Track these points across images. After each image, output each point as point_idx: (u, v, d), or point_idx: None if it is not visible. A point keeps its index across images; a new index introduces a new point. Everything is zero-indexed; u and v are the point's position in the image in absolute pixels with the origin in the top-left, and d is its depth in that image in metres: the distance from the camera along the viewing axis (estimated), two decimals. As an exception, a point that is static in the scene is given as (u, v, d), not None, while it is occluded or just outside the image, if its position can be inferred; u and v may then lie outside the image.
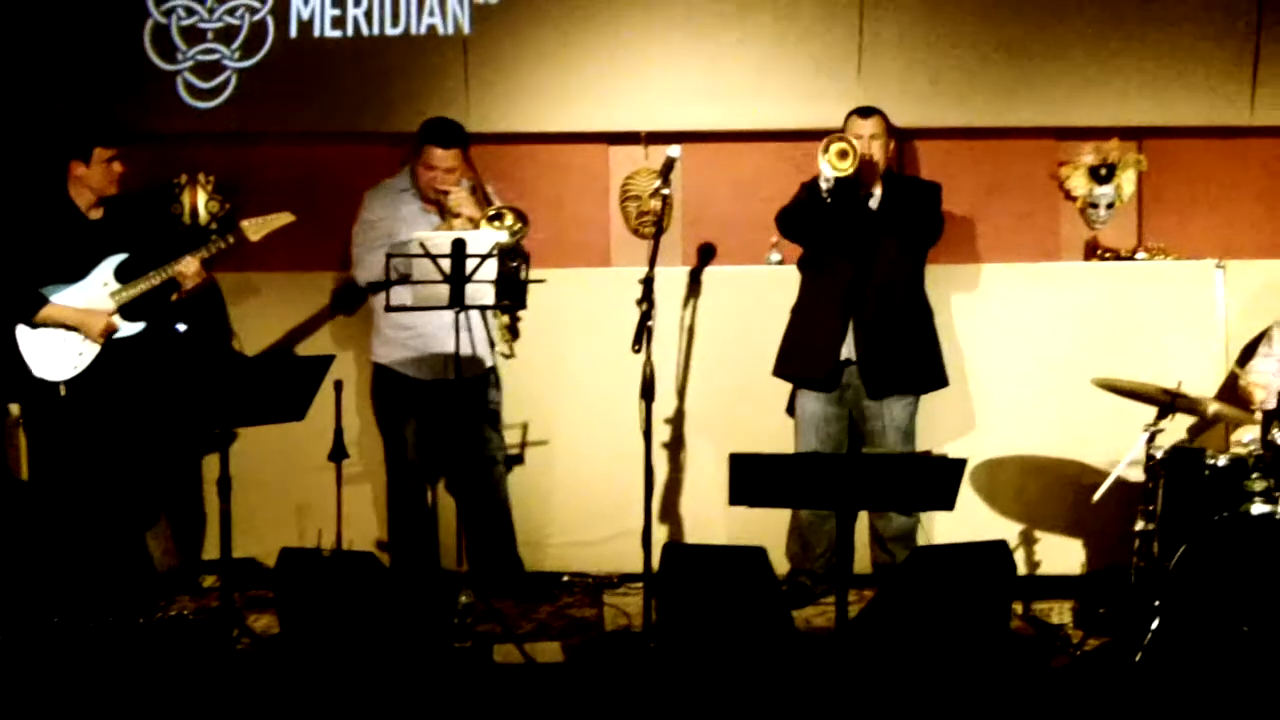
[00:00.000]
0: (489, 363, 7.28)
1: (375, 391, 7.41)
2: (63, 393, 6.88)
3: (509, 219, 6.83)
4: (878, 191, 7.12)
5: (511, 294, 6.49)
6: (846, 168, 6.72)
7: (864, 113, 7.18)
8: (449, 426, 7.03)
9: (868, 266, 7.03)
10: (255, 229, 7.08)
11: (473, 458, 7.26)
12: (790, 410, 7.48)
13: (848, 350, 7.08)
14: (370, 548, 7.47)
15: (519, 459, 7.75)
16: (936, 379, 7.27)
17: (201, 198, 8.00)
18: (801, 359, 7.24)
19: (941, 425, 7.57)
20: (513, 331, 7.15)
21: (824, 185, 6.79)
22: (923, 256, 7.27)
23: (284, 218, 7.14)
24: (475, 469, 7.30)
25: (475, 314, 6.91)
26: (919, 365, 7.19)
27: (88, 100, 7.80)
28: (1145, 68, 7.87)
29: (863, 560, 7.35)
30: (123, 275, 6.98)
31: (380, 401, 7.38)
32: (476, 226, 6.81)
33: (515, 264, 6.49)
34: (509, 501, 7.48)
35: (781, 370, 7.33)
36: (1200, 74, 7.86)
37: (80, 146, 6.97)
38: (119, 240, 7.02)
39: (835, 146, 6.75)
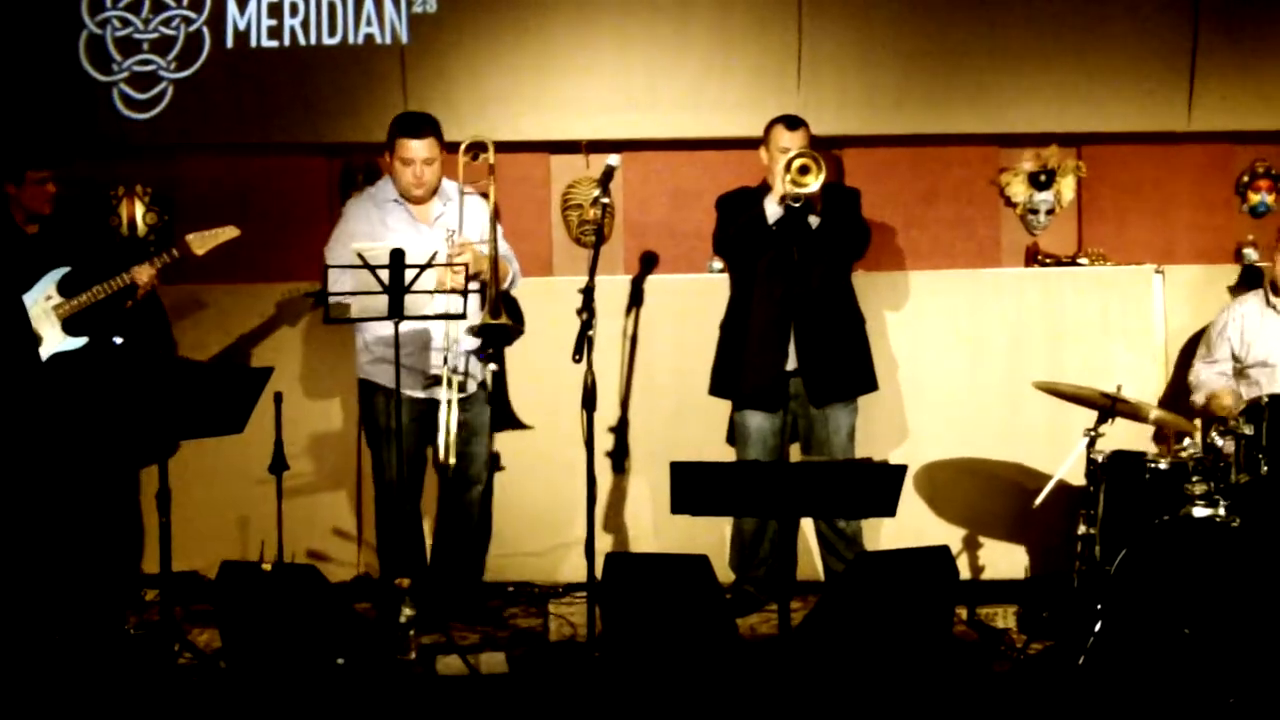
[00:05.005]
0: (479, 378, 7.02)
1: (362, 408, 7.18)
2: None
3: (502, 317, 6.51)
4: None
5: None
6: (810, 182, 6.61)
7: (791, 124, 7.00)
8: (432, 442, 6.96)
9: (803, 278, 6.88)
10: (200, 243, 7.00)
11: (455, 474, 6.98)
12: (730, 439, 7.33)
13: (790, 362, 6.97)
14: (311, 560, 7.42)
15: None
16: (869, 382, 7.19)
17: (139, 209, 7.95)
18: (743, 374, 7.05)
19: (881, 432, 7.60)
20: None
21: (790, 203, 6.67)
22: (850, 264, 7.22)
23: (229, 232, 7.06)
24: (454, 485, 7.07)
25: (464, 329, 6.66)
26: (857, 371, 7.13)
27: (21, 114, 7.74)
28: (1084, 74, 7.91)
29: (811, 568, 7.38)
30: (65, 289, 6.91)
31: (367, 418, 7.12)
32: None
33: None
34: (488, 522, 7.25)
35: (720, 388, 7.21)
36: (1138, 80, 7.91)
37: (10, 168, 6.92)
38: (58, 254, 6.96)
39: (797, 163, 6.62)
